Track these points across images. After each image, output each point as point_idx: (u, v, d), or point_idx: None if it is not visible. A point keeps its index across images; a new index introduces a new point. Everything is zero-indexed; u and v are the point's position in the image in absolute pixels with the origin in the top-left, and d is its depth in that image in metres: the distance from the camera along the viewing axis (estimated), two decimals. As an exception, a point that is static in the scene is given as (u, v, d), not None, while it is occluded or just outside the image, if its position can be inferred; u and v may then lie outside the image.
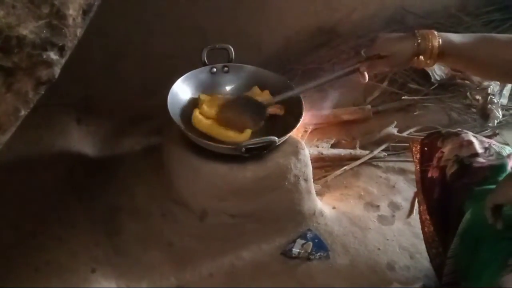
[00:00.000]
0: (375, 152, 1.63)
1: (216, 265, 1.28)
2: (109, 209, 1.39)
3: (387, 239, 1.38)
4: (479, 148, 1.07)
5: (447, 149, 1.10)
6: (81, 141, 1.58)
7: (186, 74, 1.35)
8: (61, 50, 0.52)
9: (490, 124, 1.73)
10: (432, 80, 1.89)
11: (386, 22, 2.08)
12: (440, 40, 0.99)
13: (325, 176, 1.56)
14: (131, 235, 1.32)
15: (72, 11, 0.50)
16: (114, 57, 1.61)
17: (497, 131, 1.73)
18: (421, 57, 1.01)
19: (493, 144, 1.09)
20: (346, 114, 1.76)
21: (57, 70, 0.54)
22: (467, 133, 1.12)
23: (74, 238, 1.28)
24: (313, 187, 1.36)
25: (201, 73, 1.38)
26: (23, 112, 0.54)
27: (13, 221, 1.26)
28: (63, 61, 0.54)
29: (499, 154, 1.06)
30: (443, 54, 1.00)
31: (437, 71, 1.90)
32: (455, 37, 1.01)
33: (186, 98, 1.34)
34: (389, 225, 1.43)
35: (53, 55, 0.52)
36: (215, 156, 1.22)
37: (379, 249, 1.35)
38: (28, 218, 1.28)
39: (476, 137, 1.11)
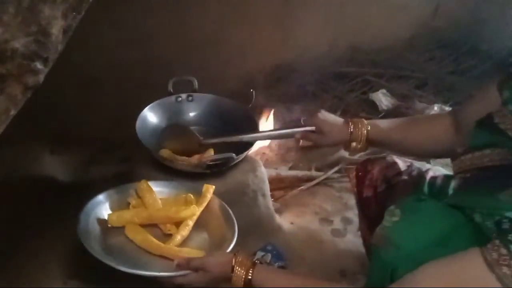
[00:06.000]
0: (329, 173, 1.78)
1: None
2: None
3: (340, 250, 1.51)
4: (402, 166, 1.21)
5: (376, 170, 1.24)
6: (54, 169, 1.68)
7: (154, 103, 1.50)
8: (45, 61, 0.65)
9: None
10: (380, 109, 2.09)
11: (338, 59, 2.30)
12: (369, 127, 1.15)
13: (283, 196, 1.69)
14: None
15: (55, 30, 0.64)
16: (85, 91, 1.74)
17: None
18: (354, 144, 1.17)
19: (414, 162, 1.24)
20: (303, 141, 1.91)
21: (41, 78, 0.66)
22: (391, 156, 1.27)
23: (47, 255, 1.36)
24: (271, 203, 1.48)
25: (167, 101, 1.52)
26: (13, 112, 0.66)
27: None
28: (46, 70, 0.66)
29: (419, 169, 1.21)
30: (372, 139, 1.15)
31: (384, 102, 2.10)
32: (383, 123, 1.17)
33: (154, 123, 1.47)
34: (341, 237, 1.56)
35: (39, 65, 0.65)
36: (180, 174, 1.34)
37: (332, 258, 1.47)
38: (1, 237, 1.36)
39: (399, 158, 1.26)
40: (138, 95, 1.62)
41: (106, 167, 1.68)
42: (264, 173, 1.43)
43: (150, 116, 1.48)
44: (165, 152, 1.32)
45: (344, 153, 1.85)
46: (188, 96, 1.55)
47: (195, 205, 1.19)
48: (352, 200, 1.71)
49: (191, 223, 1.16)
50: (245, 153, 1.37)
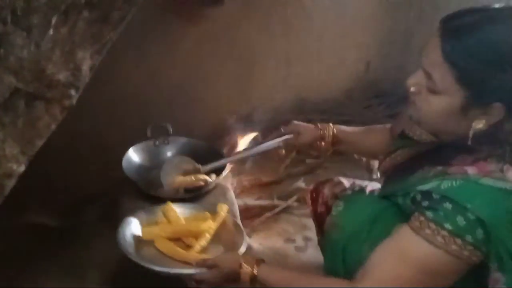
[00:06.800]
0: (289, 202, 2.05)
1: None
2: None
3: (303, 262, 1.75)
4: (347, 184, 1.50)
5: (326, 189, 1.52)
6: (44, 216, 1.87)
7: (136, 145, 1.75)
8: (77, 89, 0.92)
9: (374, 176, 2.23)
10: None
11: (288, 109, 2.65)
12: (335, 129, 1.49)
13: (251, 223, 1.94)
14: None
15: (85, 67, 0.91)
16: (71, 143, 1.96)
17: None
18: (322, 142, 1.50)
19: (356, 181, 1.53)
20: (265, 177, 2.20)
21: (74, 101, 0.93)
22: (337, 177, 1.56)
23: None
24: (240, 223, 1.72)
25: (147, 144, 1.79)
26: (53, 127, 0.93)
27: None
28: (77, 96, 0.94)
29: (360, 185, 1.49)
30: (337, 140, 1.49)
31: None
32: (345, 128, 1.52)
33: (137, 162, 1.72)
34: (303, 252, 1.81)
35: (73, 92, 0.91)
36: (162, 201, 1.57)
37: (297, 270, 1.70)
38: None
39: (343, 178, 1.54)
40: (120, 147, 1.84)
41: (94, 211, 1.88)
42: (233, 197, 1.69)
43: (134, 157, 1.73)
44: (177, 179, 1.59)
45: (300, 184, 2.14)
46: (164, 140, 1.83)
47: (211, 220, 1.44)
48: (310, 223, 1.97)
49: (208, 235, 1.39)
50: (219, 177, 1.63)
